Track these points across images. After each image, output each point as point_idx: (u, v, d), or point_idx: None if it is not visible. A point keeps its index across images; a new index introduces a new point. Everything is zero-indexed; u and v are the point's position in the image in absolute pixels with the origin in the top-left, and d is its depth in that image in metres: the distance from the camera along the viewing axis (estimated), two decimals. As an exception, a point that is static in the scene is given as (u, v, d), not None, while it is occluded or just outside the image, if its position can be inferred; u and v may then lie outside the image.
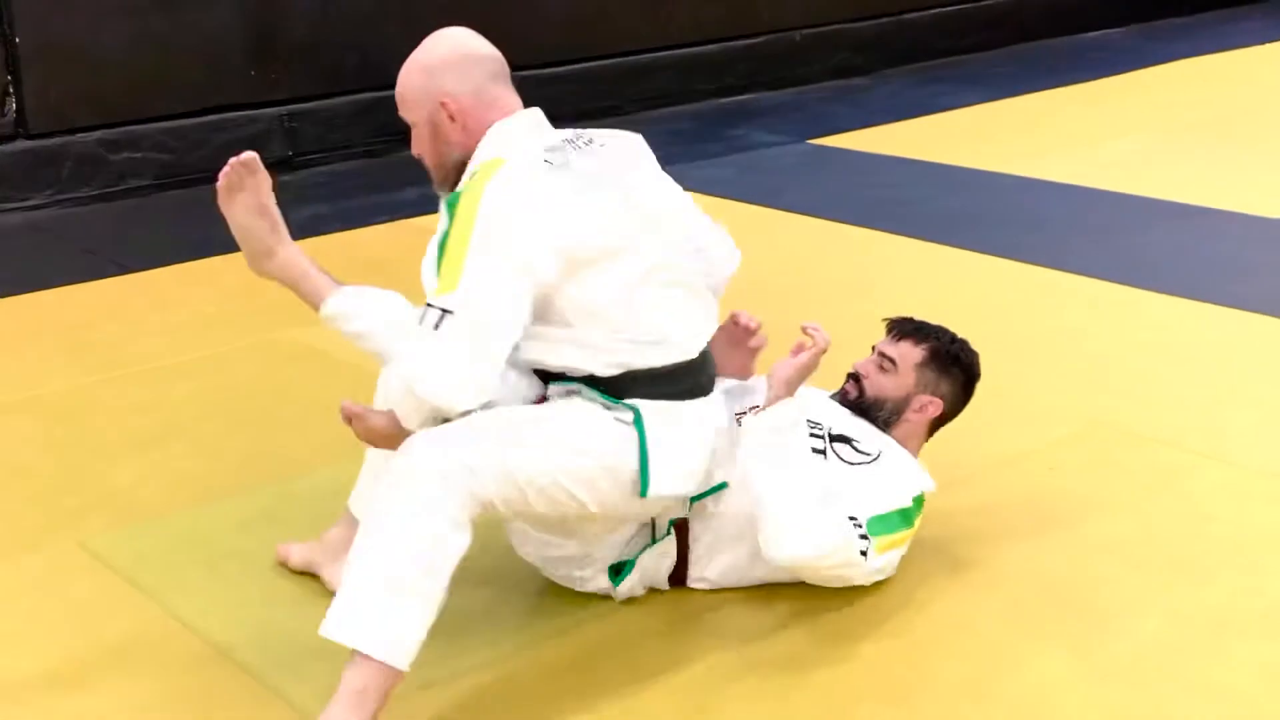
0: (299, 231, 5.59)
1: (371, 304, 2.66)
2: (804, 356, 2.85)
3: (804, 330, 2.89)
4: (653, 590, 2.87)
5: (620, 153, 2.70)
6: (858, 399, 2.96)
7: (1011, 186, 5.90)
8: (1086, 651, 2.64)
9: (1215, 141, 6.57)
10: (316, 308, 2.69)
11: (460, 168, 2.66)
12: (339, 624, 2.38)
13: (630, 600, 2.83)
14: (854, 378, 2.99)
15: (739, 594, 2.85)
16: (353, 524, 2.82)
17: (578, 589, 2.86)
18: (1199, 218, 5.34)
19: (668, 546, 2.81)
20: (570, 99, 7.28)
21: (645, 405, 2.60)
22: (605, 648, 2.70)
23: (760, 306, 3.09)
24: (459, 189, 2.54)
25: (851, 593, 2.80)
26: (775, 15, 7.97)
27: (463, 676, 2.62)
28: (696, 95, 7.65)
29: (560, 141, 2.63)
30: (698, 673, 2.61)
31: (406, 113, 2.69)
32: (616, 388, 2.60)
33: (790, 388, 2.84)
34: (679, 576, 2.86)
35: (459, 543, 2.41)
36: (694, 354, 2.66)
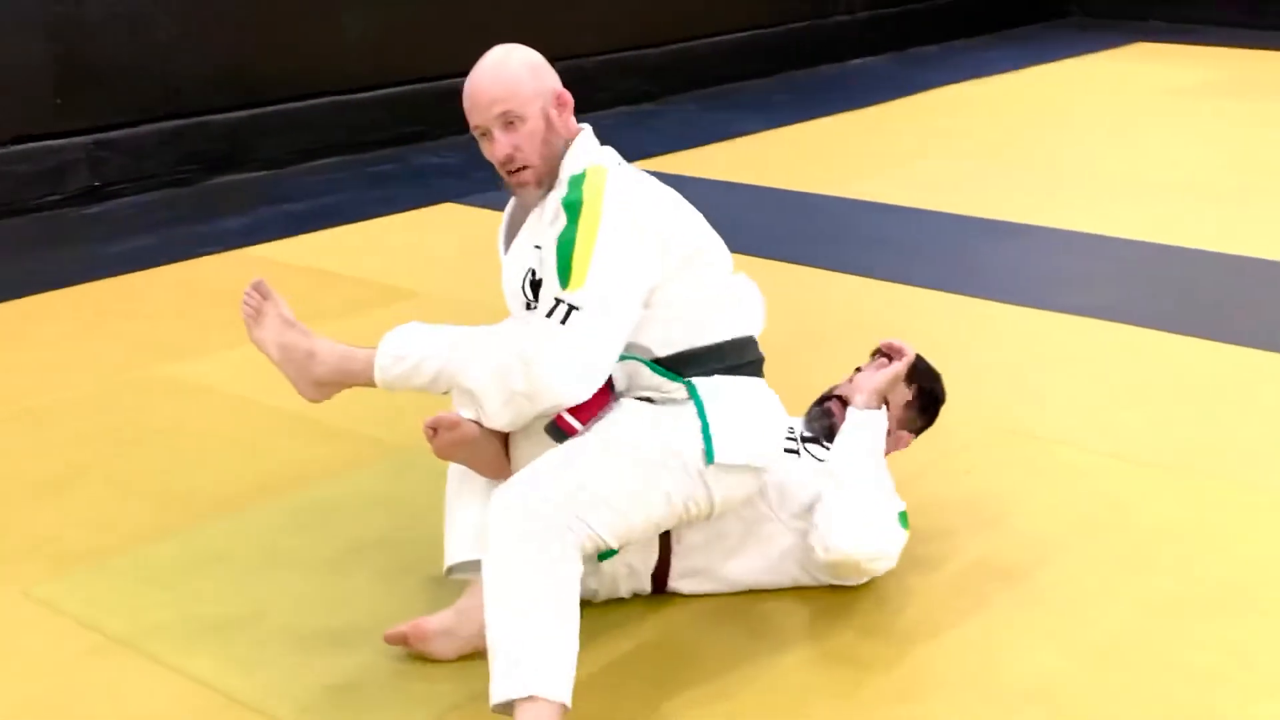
0: (125, 264, 5.47)
1: (415, 338, 2.70)
2: (898, 367, 2.98)
3: (888, 347, 3.04)
4: (636, 596, 2.94)
5: None
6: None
7: (838, 207, 6.13)
8: (1068, 641, 2.81)
9: (1001, 161, 6.98)
10: (370, 378, 2.72)
11: (559, 162, 2.73)
12: (506, 681, 2.37)
13: (625, 615, 2.88)
14: (840, 400, 3.09)
15: (717, 607, 2.93)
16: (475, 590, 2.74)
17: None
18: (1022, 233, 5.67)
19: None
20: (377, 124, 7.25)
21: (699, 380, 2.67)
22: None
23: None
24: (571, 192, 2.63)
25: (820, 594, 2.93)
26: (567, 42, 8.05)
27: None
28: (497, 121, 7.68)
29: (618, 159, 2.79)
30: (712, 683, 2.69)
31: (517, 107, 2.69)
32: (675, 365, 2.67)
33: (880, 398, 2.94)
34: (661, 575, 2.92)
35: (575, 570, 2.47)
36: (753, 331, 2.78)
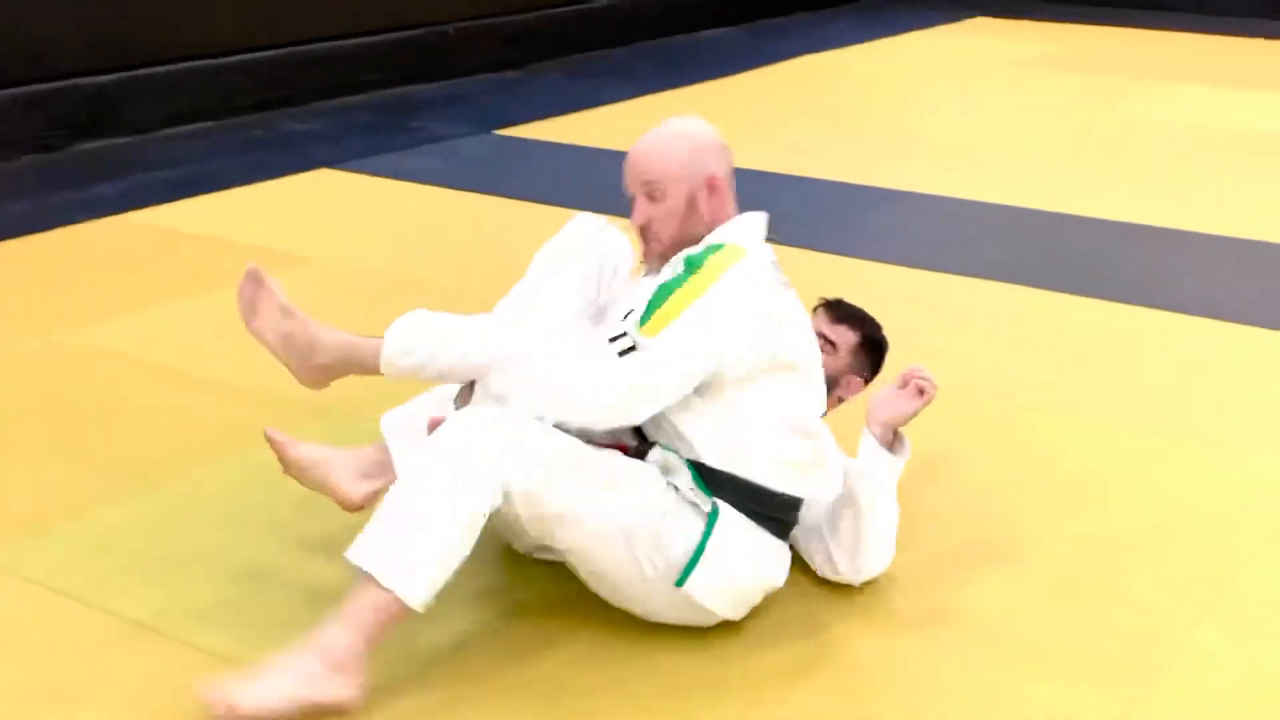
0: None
1: (423, 331, 2.66)
2: (917, 406, 2.80)
3: (915, 376, 2.83)
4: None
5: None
6: None
7: (752, 180, 6.21)
8: (1018, 579, 2.96)
9: (860, 129, 7.17)
10: (375, 365, 2.67)
11: (689, 245, 2.72)
12: (371, 551, 2.45)
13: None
14: (837, 399, 3.17)
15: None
16: (383, 449, 2.87)
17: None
18: (894, 199, 5.85)
19: None
20: (243, 89, 7.13)
21: (726, 510, 2.62)
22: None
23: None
24: (701, 253, 2.62)
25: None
26: (431, 8, 8.03)
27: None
28: (364, 86, 7.62)
29: (775, 258, 2.76)
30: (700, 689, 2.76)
31: (663, 181, 2.72)
32: (713, 480, 2.63)
33: (890, 432, 2.81)
34: None
35: (480, 511, 2.47)
36: (804, 495, 2.74)
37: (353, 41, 7.57)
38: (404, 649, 2.65)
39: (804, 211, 5.65)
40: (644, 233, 2.78)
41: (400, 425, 2.92)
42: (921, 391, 2.79)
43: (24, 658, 2.66)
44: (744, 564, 2.66)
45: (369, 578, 2.44)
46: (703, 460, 2.64)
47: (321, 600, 2.79)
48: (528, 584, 2.90)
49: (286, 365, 2.77)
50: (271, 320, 2.74)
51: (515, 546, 2.94)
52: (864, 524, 2.81)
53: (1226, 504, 3.31)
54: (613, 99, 7.69)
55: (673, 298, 2.57)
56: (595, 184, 5.93)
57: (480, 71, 8.27)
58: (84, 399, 3.79)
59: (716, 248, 2.66)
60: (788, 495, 2.70)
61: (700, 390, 2.62)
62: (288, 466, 2.92)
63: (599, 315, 2.94)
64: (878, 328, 3.29)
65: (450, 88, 7.95)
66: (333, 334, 2.73)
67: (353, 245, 5.18)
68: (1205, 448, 3.60)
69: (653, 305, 2.58)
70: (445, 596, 2.53)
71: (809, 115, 7.48)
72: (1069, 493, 3.34)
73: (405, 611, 2.45)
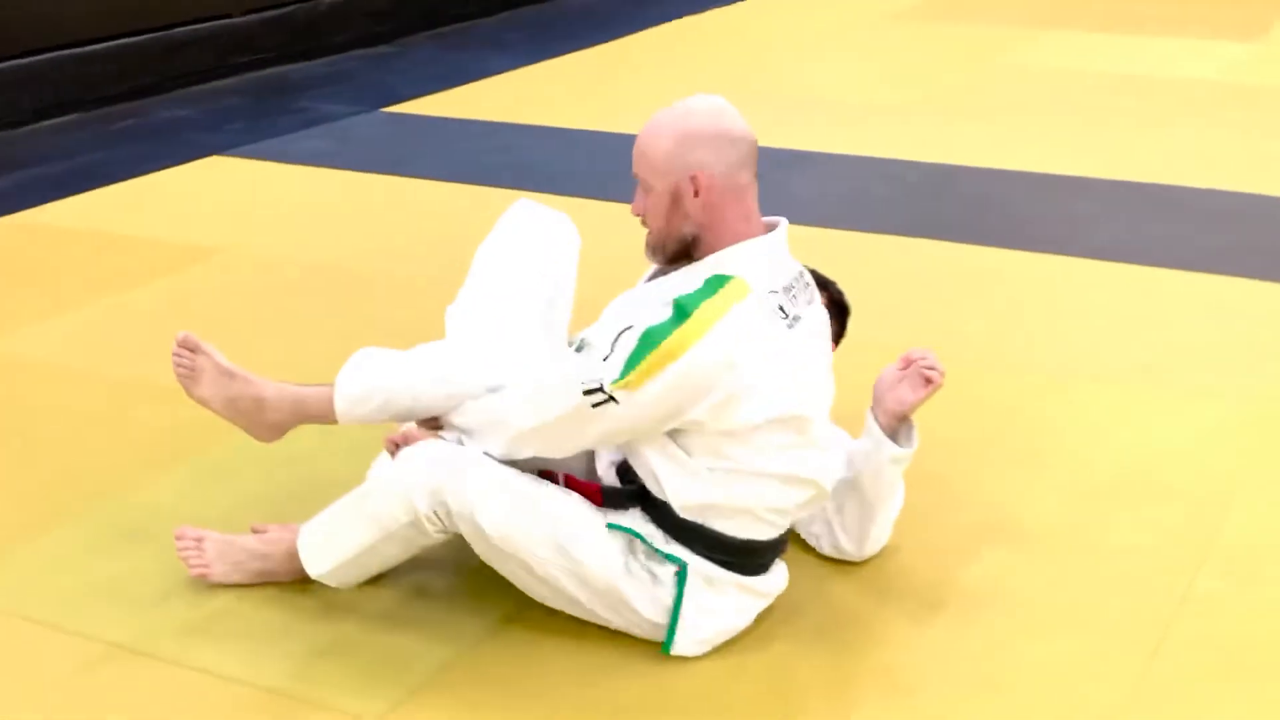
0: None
1: (375, 374, 2.64)
2: (923, 395, 2.69)
3: (920, 362, 2.71)
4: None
5: (819, 319, 2.63)
6: None
7: (617, 142, 6.11)
8: (1007, 539, 2.95)
9: (752, 90, 7.11)
10: (330, 415, 2.66)
11: (683, 243, 2.56)
12: (310, 545, 2.70)
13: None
14: None
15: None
16: None
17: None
18: (805, 160, 5.83)
19: None
20: (109, 79, 6.85)
21: (695, 563, 2.54)
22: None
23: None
24: (694, 296, 2.44)
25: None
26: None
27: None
28: (236, 69, 7.38)
29: (790, 281, 2.56)
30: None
31: (647, 174, 2.55)
32: (676, 528, 2.54)
33: (895, 420, 2.72)
34: None
35: (407, 543, 2.63)
36: (779, 534, 2.63)
37: (220, 23, 7.31)
38: (399, 666, 2.57)
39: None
40: (642, 222, 2.63)
41: None
42: (928, 380, 2.69)
43: (6, 688, 2.51)
44: (725, 615, 2.58)
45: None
46: (672, 507, 2.52)
47: (309, 606, 2.71)
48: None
49: (236, 425, 2.76)
50: (214, 385, 2.74)
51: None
52: (870, 513, 2.77)
53: (1192, 448, 3.34)
54: (496, 70, 7.55)
55: (656, 352, 2.40)
56: (500, 160, 5.84)
57: (351, 48, 8.06)
58: (7, 413, 3.59)
59: (716, 284, 2.45)
60: (764, 541, 2.59)
61: (679, 439, 2.50)
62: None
63: (552, 303, 2.84)
64: (840, 291, 3.25)
65: (325, 66, 7.73)
66: (279, 389, 2.72)
67: (259, 234, 5.00)
68: (1155, 393, 3.63)
69: (635, 357, 2.42)
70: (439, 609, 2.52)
71: (700, 78, 7.41)
72: (1035, 448, 3.35)
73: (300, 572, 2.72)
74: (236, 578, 2.79)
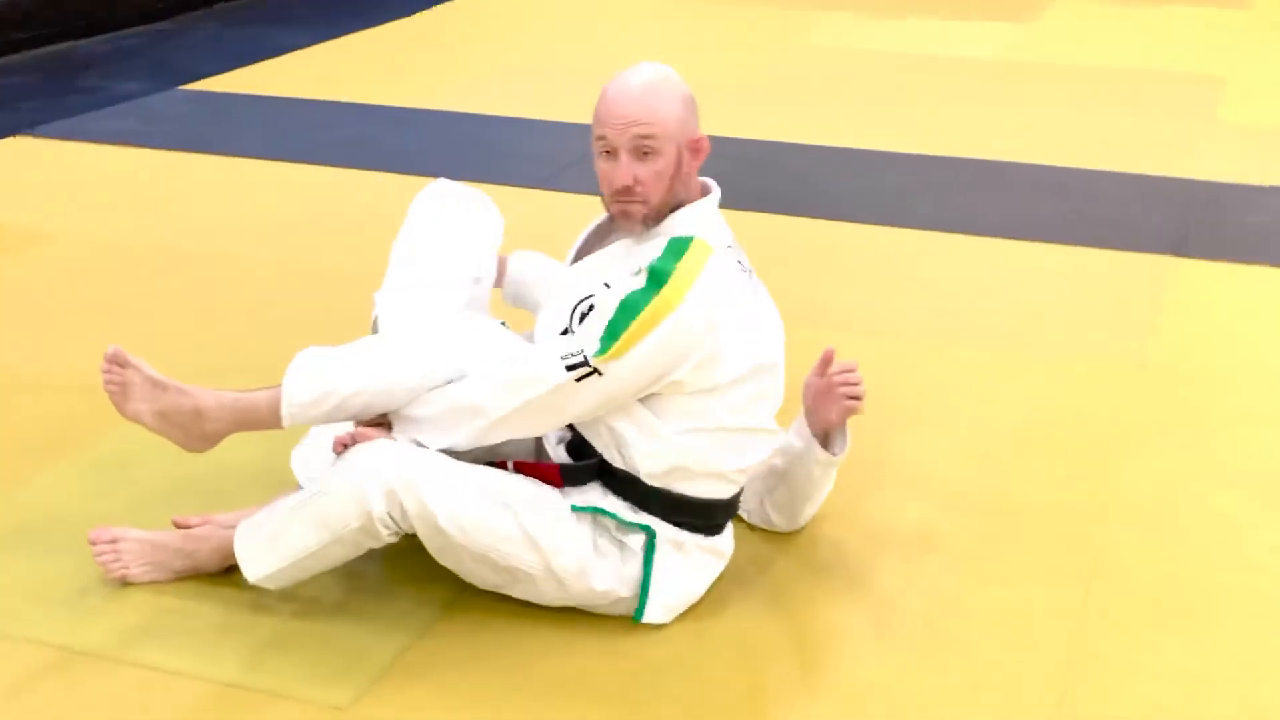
0: None
1: (325, 374, 2.54)
2: (846, 416, 2.73)
3: (840, 381, 2.72)
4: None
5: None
6: None
7: (436, 119, 6.06)
8: (919, 495, 3.07)
9: (553, 66, 7.12)
10: (276, 421, 2.56)
11: (671, 209, 2.57)
12: (247, 547, 2.60)
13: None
14: None
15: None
16: None
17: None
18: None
19: None
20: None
21: (662, 529, 2.57)
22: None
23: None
24: (666, 260, 2.46)
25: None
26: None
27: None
28: (14, 45, 7.02)
29: (731, 237, 2.64)
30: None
31: (658, 139, 2.52)
32: (642, 497, 2.56)
33: (825, 433, 2.76)
34: None
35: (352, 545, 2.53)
36: (737, 490, 2.66)
37: (-3, -3, 6.97)
38: (354, 655, 2.54)
39: (530, 151, 5.58)
40: (626, 194, 2.55)
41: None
42: (849, 408, 2.72)
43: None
44: (691, 579, 2.62)
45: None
46: (638, 475, 2.55)
47: (243, 600, 2.65)
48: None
49: (170, 439, 2.62)
50: (146, 399, 2.59)
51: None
52: (801, 500, 2.84)
53: (1071, 407, 3.51)
54: (290, 47, 7.35)
55: (639, 320, 2.43)
56: (324, 137, 5.71)
57: (133, 24, 7.75)
58: None
59: (681, 247, 2.49)
60: (725, 500, 2.64)
61: (651, 405, 2.53)
62: None
63: (479, 281, 2.81)
64: None
65: (108, 43, 7.42)
66: (217, 398, 2.60)
67: (89, 218, 4.79)
68: (1025, 357, 3.80)
69: (615, 326, 2.43)
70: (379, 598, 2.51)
71: (490, 57, 7.37)
72: (924, 412, 3.47)
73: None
74: (157, 576, 2.69)
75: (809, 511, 2.88)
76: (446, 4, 8.56)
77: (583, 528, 2.56)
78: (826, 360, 2.74)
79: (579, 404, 2.49)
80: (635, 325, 2.43)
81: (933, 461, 3.22)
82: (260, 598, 2.64)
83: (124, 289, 4.16)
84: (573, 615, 2.61)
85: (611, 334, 2.44)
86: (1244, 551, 2.88)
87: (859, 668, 2.52)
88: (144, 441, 2.91)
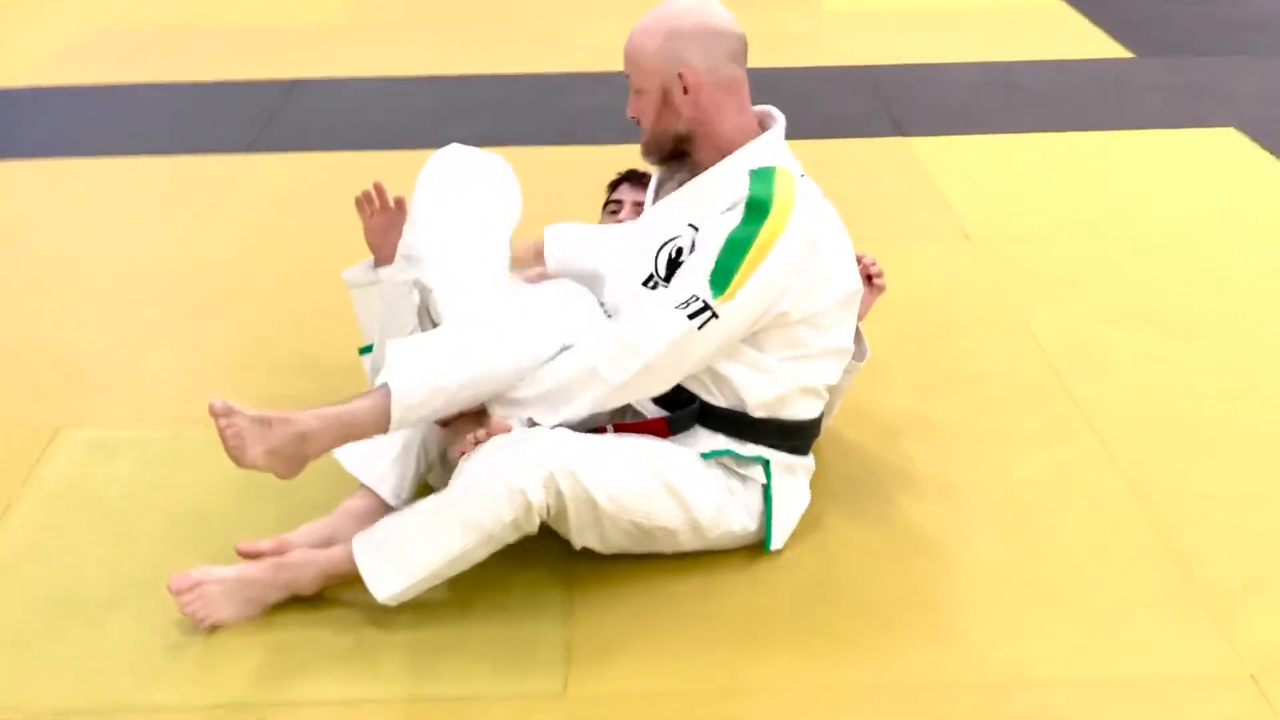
0: None
1: (428, 368, 2.45)
2: (871, 300, 2.90)
3: (867, 264, 2.89)
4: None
5: None
6: None
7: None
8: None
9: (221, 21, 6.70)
10: (381, 423, 2.44)
11: (679, 141, 2.57)
12: (374, 560, 2.48)
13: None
14: None
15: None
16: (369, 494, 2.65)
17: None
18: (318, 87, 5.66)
19: None
20: None
21: (774, 456, 2.64)
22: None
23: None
24: (761, 193, 2.50)
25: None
26: None
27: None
28: None
29: (800, 169, 2.66)
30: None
31: (636, 75, 2.58)
32: (750, 429, 2.60)
33: None
34: None
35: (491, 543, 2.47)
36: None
37: None
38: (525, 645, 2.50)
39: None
40: (637, 123, 2.67)
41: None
42: (870, 280, 2.87)
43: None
44: (800, 499, 2.73)
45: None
46: (746, 410, 2.61)
47: (349, 616, 2.54)
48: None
49: (273, 473, 2.45)
50: (258, 442, 2.40)
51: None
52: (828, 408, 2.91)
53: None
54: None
55: (750, 253, 2.47)
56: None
57: None
58: None
59: (768, 176, 2.55)
60: (818, 418, 2.74)
61: (757, 340, 2.57)
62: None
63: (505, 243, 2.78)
64: None
65: None
66: (319, 417, 2.45)
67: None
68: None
69: (727, 264, 2.47)
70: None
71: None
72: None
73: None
74: (250, 613, 2.52)
75: (830, 416, 3.02)
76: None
77: (714, 472, 2.61)
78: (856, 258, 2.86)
79: (698, 351, 2.51)
80: (747, 259, 2.47)
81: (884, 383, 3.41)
82: (368, 612, 2.52)
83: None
84: (693, 561, 2.65)
85: (723, 272, 2.47)
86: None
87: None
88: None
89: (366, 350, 2.97)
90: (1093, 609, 2.52)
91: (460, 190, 2.74)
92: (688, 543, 2.62)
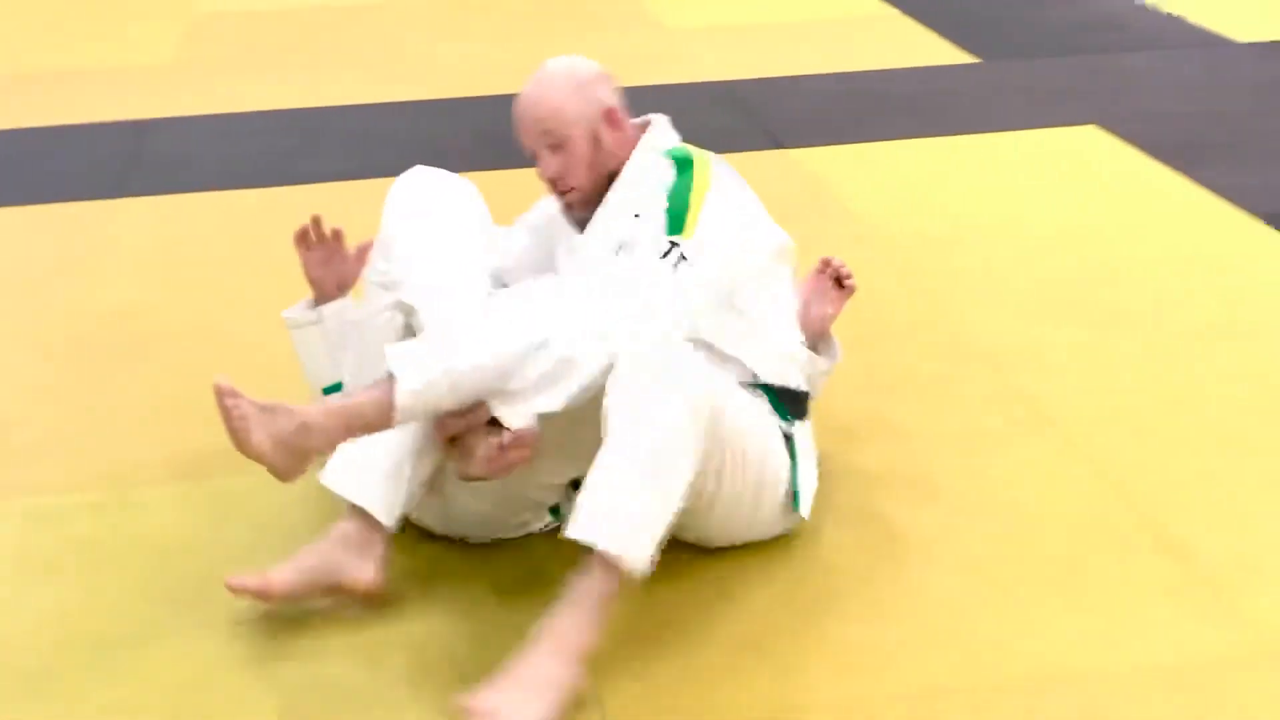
0: None
1: (432, 356, 2.36)
2: (841, 303, 2.87)
3: (834, 266, 2.87)
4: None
5: None
6: None
7: None
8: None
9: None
10: (385, 416, 2.33)
11: (611, 179, 2.60)
12: (599, 525, 2.26)
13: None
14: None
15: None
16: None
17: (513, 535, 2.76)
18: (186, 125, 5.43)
19: None
20: None
21: (797, 431, 2.68)
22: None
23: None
24: (682, 152, 2.59)
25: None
26: None
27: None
28: None
29: None
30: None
31: (558, 129, 2.60)
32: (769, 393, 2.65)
33: (818, 337, 2.84)
34: None
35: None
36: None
37: None
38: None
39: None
40: (557, 184, 2.66)
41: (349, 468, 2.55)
42: (840, 282, 2.87)
43: None
44: (814, 468, 2.74)
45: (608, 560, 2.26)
46: (758, 379, 2.63)
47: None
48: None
49: (273, 469, 2.33)
50: (262, 429, 2.30)
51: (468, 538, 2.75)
52: None
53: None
54: None
55: (693, 193, 2.54)
56: None
57: None
58: None
59: (681, 147, 2.67)
60: (807, 393, 2.76)
61: (735, 310, 2.60)
62: (281, 600, 2.49)
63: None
64: None
65: None
66: (323, 410, 2.35)
67: None
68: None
69: (675, 211, 2.52)
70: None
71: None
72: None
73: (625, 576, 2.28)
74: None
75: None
76: None
77: (767, 407, 2.65)
78: (826, 261, 2.90)
79: (694, 302, 2.49)
80: (693, 196, 2.54)
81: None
82: (392, 655, 2.42)
83: None
84: (690, 582, 2.61)
85: (676, 217, 2.52)
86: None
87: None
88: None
89: (332, 390, 2.85)
90: (1101, 601, 2.54)
91: (430, 210, 2.68)
92: (748, 516, 2.60)
